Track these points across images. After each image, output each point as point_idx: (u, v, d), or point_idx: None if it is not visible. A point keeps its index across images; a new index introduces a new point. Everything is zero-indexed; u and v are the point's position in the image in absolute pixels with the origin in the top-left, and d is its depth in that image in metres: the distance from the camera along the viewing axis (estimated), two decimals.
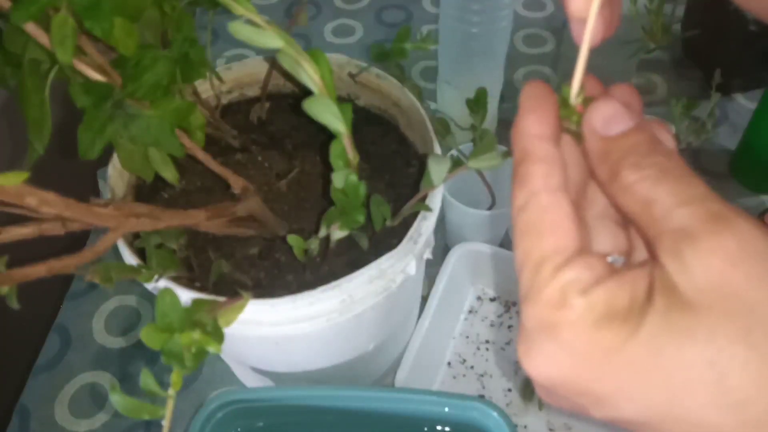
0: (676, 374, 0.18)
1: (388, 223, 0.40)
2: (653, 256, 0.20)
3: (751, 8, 0.26)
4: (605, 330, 0.19)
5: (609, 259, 0.23)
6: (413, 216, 0.40)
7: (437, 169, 0.35)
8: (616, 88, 0.25)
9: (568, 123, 0.24)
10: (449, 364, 0.55)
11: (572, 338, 0.20)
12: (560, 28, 0.82)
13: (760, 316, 0.18)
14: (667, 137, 0.23)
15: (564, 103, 0.24)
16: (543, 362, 0.21)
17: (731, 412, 0.18)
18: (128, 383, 0.56)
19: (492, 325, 0.57)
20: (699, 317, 0.18)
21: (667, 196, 0.20)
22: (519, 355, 0.22)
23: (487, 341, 0.56)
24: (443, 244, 0.62)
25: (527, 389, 0.53)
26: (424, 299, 0.53)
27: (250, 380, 0.53)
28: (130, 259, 0.39)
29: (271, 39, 0.27)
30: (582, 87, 0.24)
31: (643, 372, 0.19)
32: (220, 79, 0.48)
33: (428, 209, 0.39)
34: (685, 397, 0.19)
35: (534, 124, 0.23)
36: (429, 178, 0.36)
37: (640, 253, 0.25)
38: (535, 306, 0.21)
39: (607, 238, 0.24)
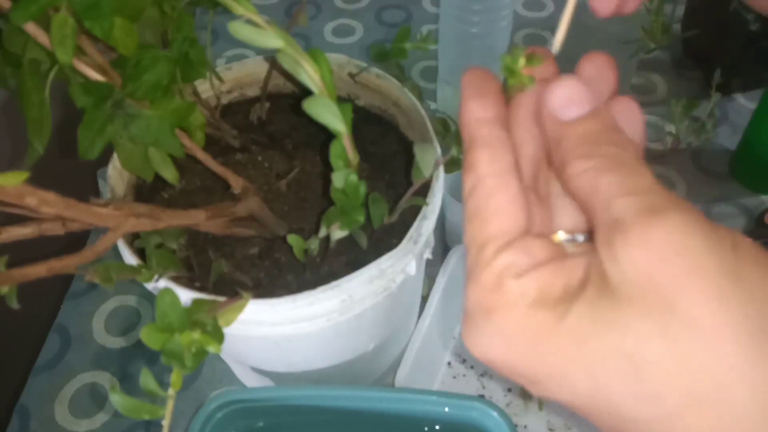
0: (597, 364, 0.19)
1: (386, 220, 0.40)
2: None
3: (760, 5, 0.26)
4: (535, 316, 0.20)
5: (564, 237, 0.23)
6: (413, 216, 0.40)
7: (424, 157, 0.35)
8: (588, 58, 0.24)
9: (517, 92, 0.23)
10: (449, 364, 0.55)
11: (504, 322, 0.20)
12: None
13: (679, 314, 0.18)
14: (635, 116, 0.23)
15: (510, 71, 0.23)
16: (481, 343, 0.21)
17: (646, 404, 0.18)
18: (128, 383, 0.56)
19: None
20: (621, 310, 0.19)
21: (610, 186, 0.20)
22: (462, 334, 0.22)
23: None
24: (443, 244, 0.62)
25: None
26: (424, 299, 0.53)
27: (250, 380, 0.53)
28: (130, 259, 0.39)
29: (271, 39, 0.27)
30: (536, 54, 0.23)
31: (567, 360, 0.19)
32: (220, 79, 0.48)
33: (425, 203, 0.39)
34: (605, 387, 0.19)
35: (476, 109, 0.23)
36: (418, 168, 0.36)
37: None
38: (475, 288, 0.21)
39: (568, 215, 0.24)
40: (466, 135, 0.23)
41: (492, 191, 0.22)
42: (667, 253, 0.18)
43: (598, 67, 0.23)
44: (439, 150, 0.43)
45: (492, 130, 0.23)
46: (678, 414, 0.18)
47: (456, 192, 0.55)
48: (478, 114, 0.23)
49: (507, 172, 0.22)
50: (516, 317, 0.20)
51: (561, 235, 0.23)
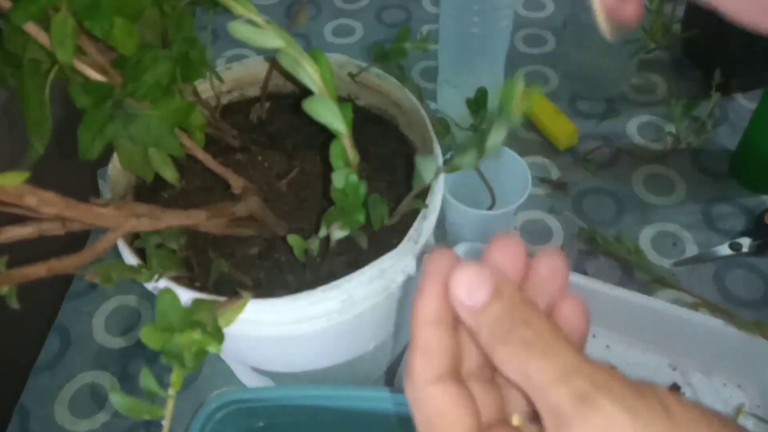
0: None
1: (386, 222, 0.40)
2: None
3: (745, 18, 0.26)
4: None
5: (519, 421, 0.24)
6: (413, 216, 0.40)
7: (426, 167, 0.35)
8: (541, 257, 0.25)
9: None
10: None
11: None
12: (560, 28, 0.82)
13: None
14: (579, 317, 0.24)
15: None
16: None
17: None
18: (128, 383, 0.56)
19: None
20: None
21: (538, 374, 0.20)
22: None
23: None
24: (443, 244, 0.62)
25: None
26: None
27: (250, 380, 0.53)
28: (130, 259, 0.39)
29: (271, 39, 0.27)
30: None
31: None
32: (220, 79, 0.48)
33: (424, 206, 0.39)
34: None
35: (420, 307, 0.24)
36: (420, 176, 0.37)
37: None
38: None
39: (520, 396, 0.25)
40: (411, 330, 0.24)
41: (432, 400, 0.22)
42: None
43: (551, 267, 0.25)
44: (440, 157, 0.43)
45: (430, 332, 0.23)
46: None
47: (456, 192, 0.55)
48: (421, 312, 0.23)
49: (442, 378, 0.23)
50: None
51: (517, 420, 0.24)
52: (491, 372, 0.25)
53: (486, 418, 0.24)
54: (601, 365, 0.20)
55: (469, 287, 0.22)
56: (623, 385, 0.20)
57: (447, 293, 0.23)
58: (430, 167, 0.35)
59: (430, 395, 0.22)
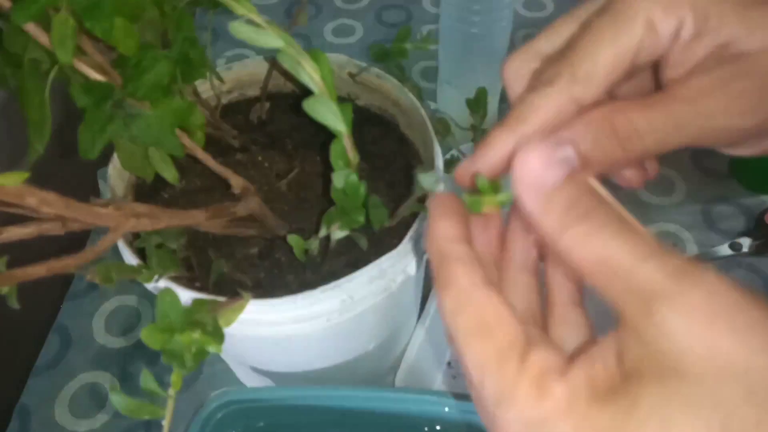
0: None
1: (385, 224, 0.40)
2: (619, 322, 0.19)
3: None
4: (598, 411, 0.18)
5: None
6: (413, 216, 0.40)
7: (427, 180, 0.36)
8: None
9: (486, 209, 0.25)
10: (449, 364, 0.55)
11: (568, 429, 0.18)
12: None
13: (757, 377, 0.17)
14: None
15: (484, 189, 0.25)
16: None
17: None
18: (128, 383, 0.56)
19: None
20: (697, 383, 0.17)
21: (622, 254, 0.18)
22: None
23: None
24: None
25: None
26: (424, 299, 0.53)
27: (250, 380, 0.53)
28: (130, 259, 0.39)
29: (271, 39, 0.27)
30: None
31: None
32: (220, 79, 0.48)
33: (425, 210, 0.39)
34: None
35: (446, 228, 0.24)
36: (420, 188, 0.37)
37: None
38: (514, 407, 0.19)
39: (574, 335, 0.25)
40: (435, 252, 0.23)
41: (484, 303, 0.21)
42: (719, 315, 0.17)
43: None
44: (440, 158, 0.43)
45: (464, 247, 0.23)
46: None
47: (455, 191, 0.55)
48: (448, 233, 0.24)
49: (488, 284, 0.22)
50: (579, 420, 0.18)
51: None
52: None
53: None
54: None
55: (541, 165, 0.20)
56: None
57: (462, 222, 0.24)
58: (430, 181, 0.36)
59: (481, 297, 0.21)
